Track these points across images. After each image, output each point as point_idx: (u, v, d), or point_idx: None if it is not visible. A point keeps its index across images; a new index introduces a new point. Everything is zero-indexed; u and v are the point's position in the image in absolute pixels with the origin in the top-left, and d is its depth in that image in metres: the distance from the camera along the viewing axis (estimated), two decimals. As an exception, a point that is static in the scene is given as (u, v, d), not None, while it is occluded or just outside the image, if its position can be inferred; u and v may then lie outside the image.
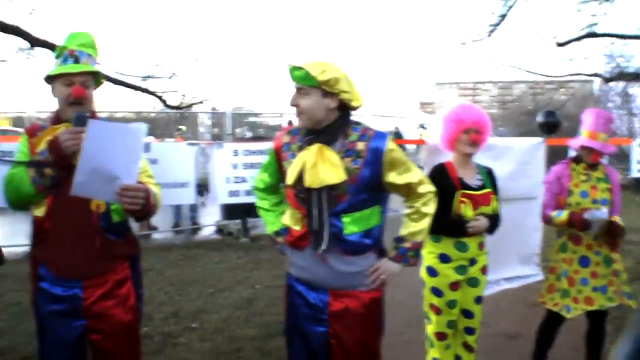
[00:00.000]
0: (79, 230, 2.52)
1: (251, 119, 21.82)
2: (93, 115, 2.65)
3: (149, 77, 11.89)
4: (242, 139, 9.88)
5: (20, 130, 17.62)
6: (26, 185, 2.47)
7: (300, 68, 2.42)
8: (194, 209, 10.26)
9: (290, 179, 2.51)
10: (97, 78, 2.69)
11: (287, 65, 2.48)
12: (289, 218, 2.68)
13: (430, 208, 2.62)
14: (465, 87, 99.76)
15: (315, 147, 2.46)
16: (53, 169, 2.45)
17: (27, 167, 2.48)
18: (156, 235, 9.84)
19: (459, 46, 12.74)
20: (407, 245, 2.59)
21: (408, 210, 2.63)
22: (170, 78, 10.04)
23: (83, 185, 2.28)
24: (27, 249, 8.64)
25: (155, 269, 7.02)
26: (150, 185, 2.57)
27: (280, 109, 20.42)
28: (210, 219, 10.61)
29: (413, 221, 2.60)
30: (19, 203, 2.62)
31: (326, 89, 2.42)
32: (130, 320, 2.65)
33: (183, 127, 11.39)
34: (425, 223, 2.61)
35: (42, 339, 2.62)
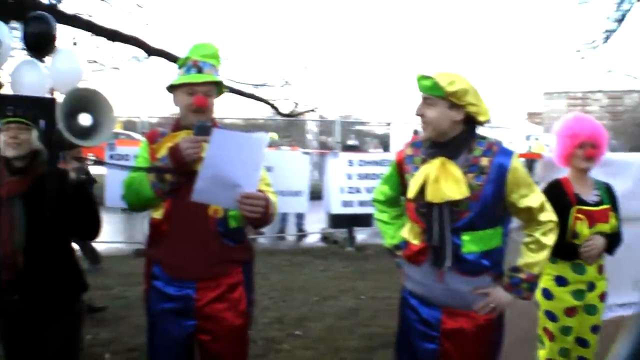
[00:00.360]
0: (196, 235, 2.58)
1: (358, 127, 21.88)
2: (214, 123, 2.72)
3: (262, 85, 12.23)
4: (350, 148, 9.88)
5: (133, 134, 18.82)
6: (146, 189, 2.57)
7: (428, 77, 2.37)
8: (300, 215, 10.31)
9: (411, 192, 2.46)
10: (219, 87, 2.76)
11: (414, 74, 2.44)
12: (408, 232, 2.62)
13: (550, 239, 2.47)
14: (574, 96, 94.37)
15: (438, 161, 2.40)
16: (173, 175, 2.54)
17: (147, 172, 2.59)
18: (261, 240, 10.00)
19: (569, 54, 12.22)
20: (522, 276, 2.45)
21: (527, 239, 2.50)
22: (282, 86, 10.24)
23: (204, 192, 2.33)
24: (131, 246, 9.16)
25: (261, 273, 7.10)
26: (268, 193, 2.60)
27: (388, 118, 20.34)
28: (316, 227, 10.66)
29: (531, 251, 2.47)
30: (137, 205, 2.75)
31: (453, 101, 2.35)
32: (240, 324, 2.68)
33: (274, 135, 11.53)
34: (544, 255, 2.46)
35: (152, 336, 2.72)
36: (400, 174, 2.65)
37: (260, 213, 2.42)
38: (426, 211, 2.43)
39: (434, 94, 2.36)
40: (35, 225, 2.74)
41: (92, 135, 2.56)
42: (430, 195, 2.37)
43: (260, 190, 2.48)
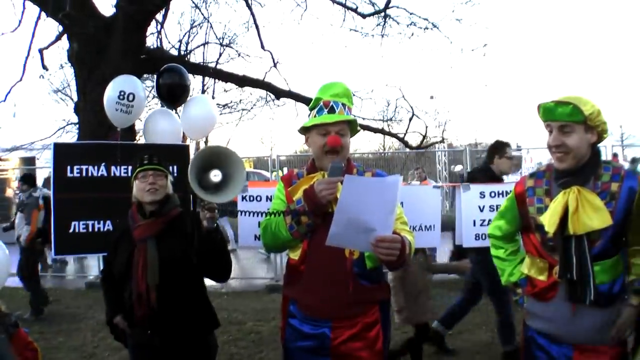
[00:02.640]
0: (333, 275, 2.58)
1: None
2: (349, 163, 2.73)
3: (390, 119, 12.29)
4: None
5: (264, 172, 19.53)
6: (283, 232, 2.62)
7: (566, 103, 2.22)
8: (432, 249, 10.08)
9: (550, 225, 2.30)
10: (352, 126, 2.76)
11: (541, 102, 2.31)
12: (528, 267, 2.50)
13: None
14: None
15: (574, 190, 2.27)
16: (309, 217, 2.56)
17: (284, 215, 2.62)
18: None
19: None
20: None
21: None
22: (410, 120, 10.20)
23: (338, 236, 2.31)
24: (267, 281, 9.35)
25: (395, 307, 7.03)
26: (404, 232, 2.54)
27: (516, 143, 19.54)
28: (447, 259, 10.35)
29: None
30: (275, 247, 2.81)
31: (589, 124, 2.23)
32: None
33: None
34: None
35: None
36: (520, 207, 2.53)
37: (396, 255, 2.33)
38: (562, 244, 2.29)
39: (573, 119, 2.24)
40: (168, 264, 2.83)
41: (222, 191, 2.62)
42: (573, 227, 2.24)
43: (396, 232, 2.41)
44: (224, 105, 18.75)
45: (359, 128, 2.89)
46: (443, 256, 10.49)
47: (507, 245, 2.73)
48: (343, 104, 2.69)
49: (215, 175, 2.65)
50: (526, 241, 2.52)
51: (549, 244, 2.36)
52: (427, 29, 9.80)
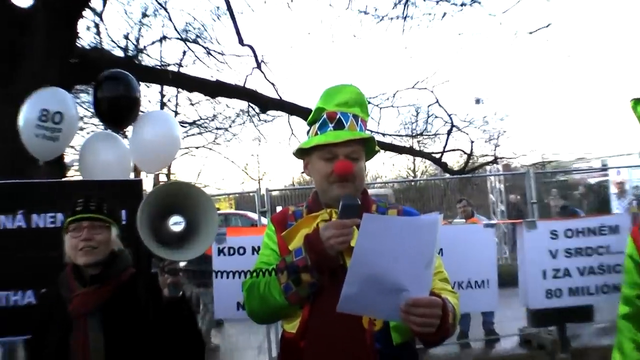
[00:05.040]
0: (346, 354, 2.53)
1: (560, 177, 21.17)
2: (365, 197, 2.72)
3: (421, 134, 12.23)
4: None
5: (250, 213, 19.52)
6: (275, 295, 2.58)
7: None
8: (489, 313, 9.98)
9: None
10: (369, 146, 2.75)
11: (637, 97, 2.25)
12: None
13: None
14: None
15: None
16: (312, 274, 2.51)
17: (277, 272, 2.58)
18: (437, 350, 9.76)
19: None
20: None
21: None
22: (449, 133, 10.14)
23: (354, 300, 2.28)
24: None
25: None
26: (445, 293, 2.50)
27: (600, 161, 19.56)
28: (511, 326, 10.23)
29: None
30: (263, 316, 2.78)
31: None
32: None
33: None
34: None
35: None
36: None
37: (435, 326, 2.27)
38: None
39: None
40: (117, 348, 2.80)
41: (187, 245, 2.59)
42: None
43: (434, 293, 2.36)
44: (190, 124, 18.86)
45: (377, 148, 2.85)
46: (507, 325, 10.43)
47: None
48: (355, 116, 2.68)
49: (176, 224, 2.61)
50: None
51: None
52: (465, 5, 9.77)
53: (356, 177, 2.65)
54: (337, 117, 2.65)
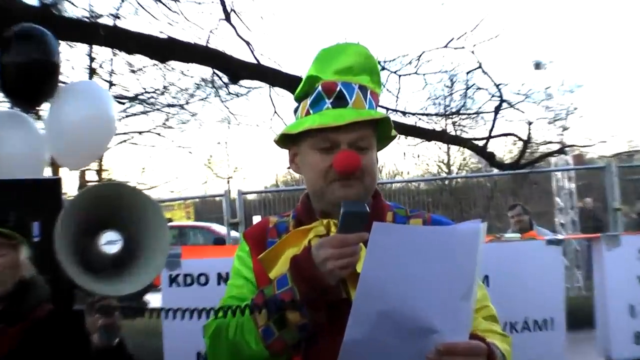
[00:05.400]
0: None
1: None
2: (377, 201, 2.75)
3: (457, 112, 12.19)
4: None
5: (215, 226, 19.59)
6: (250, 343, 2.56)
7: None
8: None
9: None
10: (382, 130, 2.75)
11: None
12: None
13: None
14: None
15: None
16: (302, 312, 2.48)
17: (253, 310, 2.54)
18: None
19: None
20: None
21: None
22: (496, 112, 10.14)
23: (362, 345, 2.28)
24: None
25: None
26: (493, 337, 2.51)
27: None
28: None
29: None
30: None
31: None
32: None
33: None
34: None
35: None
36: None
37: None
38: None
39: None
40: None
41: (125, 273, 2.59)
42: None
43: (476, 335, 2.36)
44: (131, 99, 18.76)
45: (395, 132, 2.85)
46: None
47: None
48: (362, 88, 2.67)
49: (110, 242, 2.60)
50: None
51: None
52: None
53: (364, 175, 2.63)
54: (338, 89, 2.63)
